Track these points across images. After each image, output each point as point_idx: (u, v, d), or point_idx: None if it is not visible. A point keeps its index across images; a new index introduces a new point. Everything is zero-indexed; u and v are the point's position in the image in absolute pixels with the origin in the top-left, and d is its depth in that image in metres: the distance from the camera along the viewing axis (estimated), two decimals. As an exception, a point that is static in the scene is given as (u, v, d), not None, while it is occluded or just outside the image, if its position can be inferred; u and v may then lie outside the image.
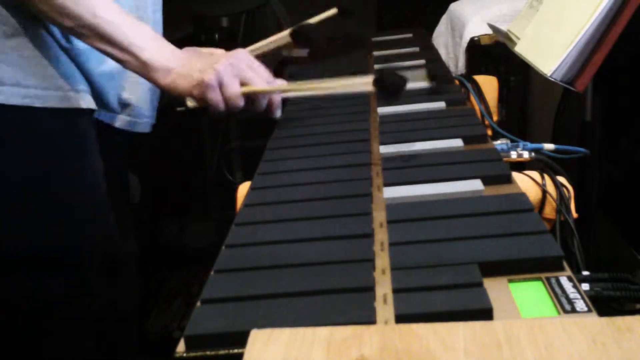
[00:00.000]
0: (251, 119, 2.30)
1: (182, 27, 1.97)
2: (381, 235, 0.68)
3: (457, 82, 1.27)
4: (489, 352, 0.44)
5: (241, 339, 0.49)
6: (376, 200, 0.77)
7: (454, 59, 1.68)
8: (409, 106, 1.11)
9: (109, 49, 0.94)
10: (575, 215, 0.85)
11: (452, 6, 1.82)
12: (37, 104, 0.94)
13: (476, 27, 1.57)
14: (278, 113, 1.06)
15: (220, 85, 0.98)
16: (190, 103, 1.00)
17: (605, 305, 0.68)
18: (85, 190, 1.03)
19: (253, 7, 2.21)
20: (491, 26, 1.47)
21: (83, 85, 1.01)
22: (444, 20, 1.85)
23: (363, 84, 0.99)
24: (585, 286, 0.68)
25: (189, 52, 1.02)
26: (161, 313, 2.02)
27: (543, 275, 0.58)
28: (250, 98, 1.02)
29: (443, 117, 1.05)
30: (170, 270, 2.24)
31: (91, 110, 1.03)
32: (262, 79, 1.01)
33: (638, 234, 1.37)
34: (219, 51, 1.09)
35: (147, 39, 0.96)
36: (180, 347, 0.54)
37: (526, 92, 1.88)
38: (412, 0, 2.75)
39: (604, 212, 1.38)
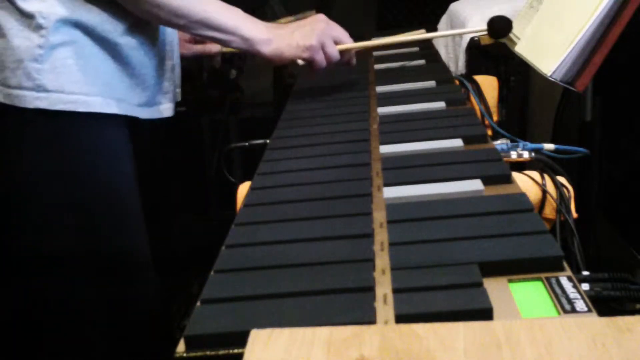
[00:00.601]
0: (251, 119, 2.31)
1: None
2: (381, 235, 0.68)
3: (457, 82, 1.27)
4: (489, 352, 0.44)
5: (241, 339, 0.49)
6: (376, 200, 0.77)
7: (454, 59, 1.68)
8: (409, 106, 1.11)
9: (217, 34, 1.08)
10: (575, 215, 0.85)
11: (452, 6, 1.82)
12: (81, 109, 0.98)
13: (476, 27, 1.57)
14: (354, 61, 1.27)
15: (323, 46, 1.16)
16: (300, 62, 1.18)
17: (605, 305, 0.68)
18: (118, 196, 1.06)
19: (253, 7, 2.21)
20: (491, 26, 1.46)
21: (121, 93, 1.04)
22: (444, 20, 1.85)
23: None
24: (585, 286, 0.68)
25: (274, 25, 1.19)
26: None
27: (543, 275, 0.58)
28: (341, 52, 1.20)
29: (443, 117, 1.05)
30: (170, 270, 2.24)
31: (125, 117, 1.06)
32: (346, 35, 1.20)
33: (638, 234, 1.37)
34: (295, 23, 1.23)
35: (245, 20, 1.12)
36: (180, 347, 0.54)
37: (526, 92, 1.89)
38: (412, 0, 2.75)
39: (604, 212, 1.38)
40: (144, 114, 1.10)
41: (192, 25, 1.06)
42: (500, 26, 1.23)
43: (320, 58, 1.16)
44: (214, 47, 1.37)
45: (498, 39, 1.25)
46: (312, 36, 1.15)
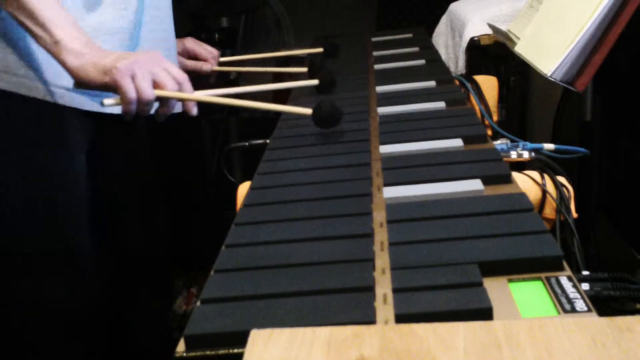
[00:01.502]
0: (251, 119, 2.31)
1: (182, 27, 1.97)
2: (381, 235, 0.68)
3: (457, 82, 1.27)
4: (489, 352, 0.44)
5: (241, 339, 0.49)
6: (376, 200, 0.77)
7: (454, 59, 1.68)
8: (409, 106, 1.11)
9: (27, 22, 0.95)
10: (575, 215, 0.85)
11: (452, 6, 1.82)
12: (23, 91, 0.98)
13: (476, 27, 1.57)
14: (194, 111, 1.05)
15: (133, 76, 0.96)
16: (106, 101, 0.99)
17: (605, 305, 0.68)
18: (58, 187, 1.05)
19: (253, 7, 2.21)
20: (491, 26, 1.47)
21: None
22: (444, 20, 1.85)
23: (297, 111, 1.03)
24: (585, 286, 0.68)
25: (100, 48, 1.01)
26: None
27: (543, 275, 0.58)
28: (162, 98, 1.01)
29: (443, 117, 1.05)
30: (170, 270, 2.24)
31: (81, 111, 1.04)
32: (174, 82, 1.00)
33: (638, 234, 1.37)
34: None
35: (67, 23, 0.97)
36: (180, 347, 0.54)
37: (526, 92, 1.88)
38: (412, 0, 2.75)
39: (604, 212, 1.38)
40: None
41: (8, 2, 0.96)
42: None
43: (126, 84, 0.96)
44: (205, 66, 1.34)
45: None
46: (123, 62, 0.97)
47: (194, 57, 1.36)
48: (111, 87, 0.97)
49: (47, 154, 1.03)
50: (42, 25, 0.95)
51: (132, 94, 0.96)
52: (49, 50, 0.96)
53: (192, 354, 0.54)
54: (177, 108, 1.04)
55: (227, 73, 1.72)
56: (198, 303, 0.59)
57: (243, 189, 0.91)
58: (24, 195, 1.03)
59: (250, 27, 2.29)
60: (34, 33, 0.96)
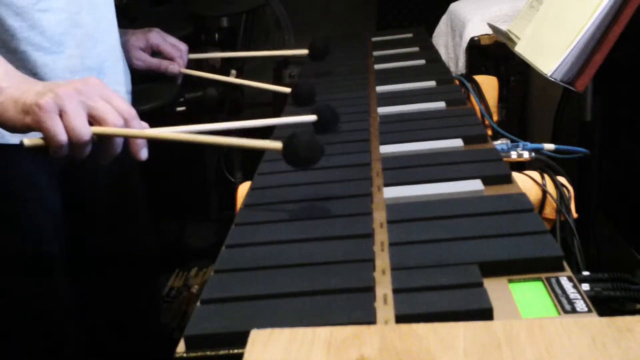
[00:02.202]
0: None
1: (182, 27, 1.98)
2: (381, 235, 0.68)
3: (457, 82, 1.27)
4: (489, 352, 0.44)
5: (241, 339, 0.49)
6: (376, 200, 0.77)
7: (454, 59, 1.68)
8: (409, 106, 1.11)
9: None
10: (575, 215, 0.85)
11: (452, 6, 1.82)
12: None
13: (476, 27, 1.57)
14: (144, 154, 0.82)
15: (61, 113, 0.76)
16: (27, 141, 0.78)
17: (605, 305, 0.68)
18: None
19: (253, 7, 2.21)
20: (491, 26, 1.47)
21: None
22: (444, 20, 1.85)
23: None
24: (585, 286, 0.68)
25: (24, 78, 0.83)
26: (161, 313, 2.02)
27: (543, 275, 0.58)
28: (101, 137, 0.79)
29: (443, 117, 1.05)
30: (170, 270, 2.24)
31: None
32: (117, 115, 0.79)
33: (638, 234, 1.37)
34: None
35: None
36: (180, 347, 0.54)
37: (526, 92, 1.88)
38: (412, 0, 2.75)
39: (604, 212, 1.38)
40: None
41: None
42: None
43: (53, 128, 0.75)
44: (172, 67, 1.19)
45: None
46: (49, 95, 0.76)
47: (158, 53, 1.20)
48: (36, 129, 0.77)
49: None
50: None
51: (60, 136, 0.76)
52: None
53: (192, 354, 0.54)
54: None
55: (229, 70, 1.72)
56: (198, 303, 0.59)
57: (243, 189, 0.91)
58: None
59: (250, 28, 2.29)
60: None
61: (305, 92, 1.05)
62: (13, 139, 0.84)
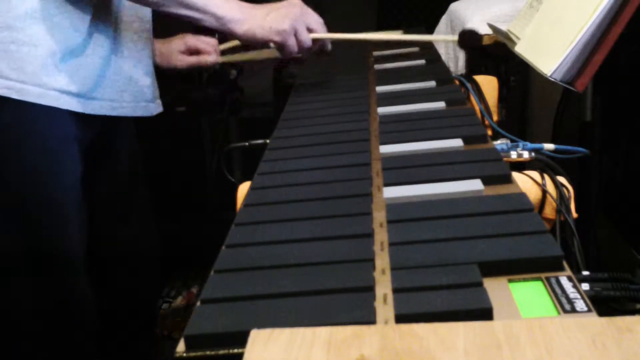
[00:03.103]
0: (251, 119, 2.31)
1: (182, 27, 1.98)
2: (381, 235, 0.68)
3: (457, 82, 1.27)
4: (489, 352, 0.44)
5: (241, 339, 0.48)
6: (376, 200, 0.77)
7: (454, 59, 1.68)
8: (409, 106, 1.11)
9: (189, 12, 1.09)
10: (575, 215, 0.85)
11: (452, 6, 1.82)
12: (14, 96, 0.98)
13: (476, 27, 1.57)
14: (329, 47, 1.25)
15: (295, 32, 1.15)
16: (271, 45, 1.18)
17: (605, 305, 0.68)
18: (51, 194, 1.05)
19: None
20: (491, 26, 1.46)
21: (71, 86, 1.03)
22: (444, 20, 1.85)
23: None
24: (585, 286, 0.68)
25: (247, 4, 1.15)
26: (161, 313, 2.02)
27: (543, 275, 0.58)
28: (315, 40, 1.20)
29: (443, 117, 1.05)
30: (170, 270, 2.24)
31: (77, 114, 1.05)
32: (320, 24, 1.20)
33: (638, 234, 1.37)
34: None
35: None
36: (180, 347, 0.54)
37: (526, 92, 1.88)
38: (412, 0, 2.75)
39: (604, 212, 1.38)
40: (102, 108, 1.08)
41: (165, 2, 1.07)
42: (469, 38, 1.24)
43: (291, 43, 1.16)
44: (210, 58, 1.39)
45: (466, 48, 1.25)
46: (286, 20, 1.14)
47: (196, 52, 1.39)
48: (278, 44, 1.16)
49: (34, 154, 1.03)
50: (202, 10, 1.09)
51: (295, 49, 1.17)
52: (214, 27, 1.11)
53: (192, 354, 0.54)
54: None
55: (229, 70, 1.73)
56: (198, 303, 0.59)
57: (243, 189, 0.91)
58: (13, 194, 1.02)
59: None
60: (195, 19, 1.10)
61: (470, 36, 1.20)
62: (59, 100, 1.02)
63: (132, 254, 1.24)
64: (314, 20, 1.19)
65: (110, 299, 1.20)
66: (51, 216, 1.05)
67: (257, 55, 1.46)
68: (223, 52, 1.45)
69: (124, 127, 1.20)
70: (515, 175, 0.83)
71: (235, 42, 1.42)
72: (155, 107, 1.20)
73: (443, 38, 1.51)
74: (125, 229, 1.24)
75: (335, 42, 1.59)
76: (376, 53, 1.56)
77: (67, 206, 1.06)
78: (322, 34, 1.20)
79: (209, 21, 1.10)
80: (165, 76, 1.29)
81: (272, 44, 1.17)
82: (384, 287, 0.58)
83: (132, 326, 1.27)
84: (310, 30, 1.18)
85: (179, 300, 2.08)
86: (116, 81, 1.10)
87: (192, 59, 1.38)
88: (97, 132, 1.12)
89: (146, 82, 1.16)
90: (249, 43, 1.17)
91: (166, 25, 1.25)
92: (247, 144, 1.22)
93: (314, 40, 1.19)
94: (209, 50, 1.41)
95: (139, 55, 1.15)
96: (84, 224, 1.10)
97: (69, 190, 1.06)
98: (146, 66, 1.17)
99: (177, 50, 1.36)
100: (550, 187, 0.86)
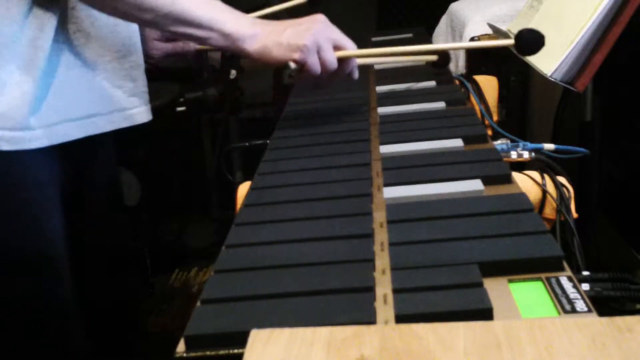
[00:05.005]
0: (251, 119, 2.31)
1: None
2: (381, 235, 0.68)
3: (457, 82, 1.27)
4: (489, 352, 0.44)
5: (241, 339, 0.49)
6: (376, 200, 0.77)
7: (454, 59, 1.68)
8: (409, 106, 1.11)
9: (190, 30, 0.95)
10: (575, 215, 0.85)
11: (452, 6, 1.81)
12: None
13: (476, 27, 1.57)
14: (356, 74, 1.07)
15: (318, 49, 0.99)
16: (292, 65, 1.00)
17: (605, 305, 0.68)
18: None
19: (253, 7, 2.21)
20: (491, 26, 1.47)
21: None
22: (444, 20, 1.85)
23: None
24: (585, 286, 0.68)
25: (261, 20, 1.02)
26: (161, 313, 2.02)
27: (543, 275, 0.58)
28: (340, 61, 1.02)
29: (443, 117, 1.05)
30: (170, 270, 2.24)
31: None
32: (349, 42, 1.02)
33: (638, 234, 1.37)
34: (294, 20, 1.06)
35: (224, 12, 0.97)
36: (180, 347, 0.54)
37: (526, 92, 1.88)
38: (412, 0, 2.75)
39: (604, 212, 1.38)
40: (101, 125, 0.99)
41: (161, 20, 0.93)
42: (529, 41, 0.97)
43: (313, 61, 0.99)
44: (187, 45, 1.24)
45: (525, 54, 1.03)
46: (307, 35, 0.98)
47: (172, 38, 1.25)
48: (300, 62, 0.98)
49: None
50: (207, 27, 0.95)
51: (317, 69, 0.99)
52: (222, 46, 0.98)
53: (192, 354, 0.54)
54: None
55: (229, 70, 1.72)
56: (198, 303, 0.59)
57: (243, 189, 0.91)
58: None
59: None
60: (199, 37, 0.96)
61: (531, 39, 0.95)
62: (31, 144, 0.90)
63: (103, 255, 1.20)
64: (341, 37, 1.02)
65: (90, 298, 1.18)
66: (29, 215, 0.98)
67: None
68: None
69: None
70: (515, 175, 0.83)
71: (293, 73, 1.34)
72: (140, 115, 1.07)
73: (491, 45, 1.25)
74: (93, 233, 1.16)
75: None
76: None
77: (44, 205, 1.00)
78: (349, 51, 1.02)
79: (214, 39, 0.96)
80: (165, 76, 1.28)
81: (291, 64, 0.99)
82: (384, 287, 0.58)
83: (115, 325, 1.24)
84: (336, 48, 1.01)
85: (179, 300, 2.08)
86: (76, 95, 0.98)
87: (168, 46, 1.23)
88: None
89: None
90: (265, 63, 1.00)
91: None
92: (247, 144, 1.22)
93: (341, 61, 1.02)
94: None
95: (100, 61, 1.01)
96: (62, 223, 1.02)
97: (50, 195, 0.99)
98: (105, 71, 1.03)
99: (152, 38, 1.21)
100: (550, 187, 0.86)
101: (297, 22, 1.02)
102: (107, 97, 1.02)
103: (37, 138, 0.92)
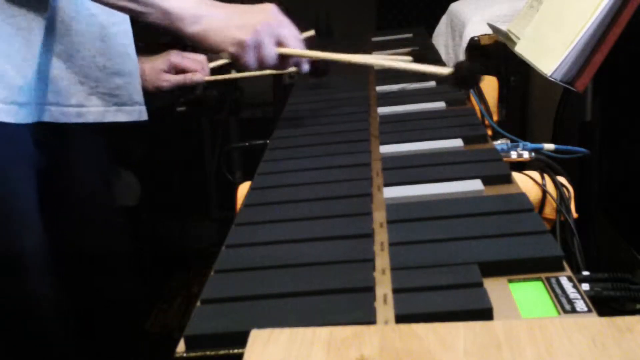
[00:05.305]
0: (251, 119, 2.31)
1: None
2: (381, 235, 0.68)
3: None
4: (489, 352, 0.44)
5: (241, 339, 0.48)
6: (376, 200, 0.77)
7: (454, 59, 1.68)
8: (409, 106, 1.11)
9: (129, 4, 0.91)
10: (575, 215, 0.85)
11: (452, 6, 1.81)
12: None
13: (476, 27, 1.57)
14: (306, 67, 1.04)
15: (258, 46, 0.95)
16: (225, 56, 0.99)
17: (605, 305, 0.68)
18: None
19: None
20: (491, 26, 1.46)
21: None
22: (444, 20, 1.85)
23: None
24: (585, 286, 0.68)
25: (211, 3, 0.97)
26: (161, 313, 2.02)
27: (543, 275, 0.58)
28: (282, 56, 1.00)
29: (443, 117, 1.05)
30: (170, 270, 2.24)
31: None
32: (295, 38, 0.99)
33: (638, 234, 1.37)
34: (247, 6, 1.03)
35: None
36: (180, 347, 0.54)
37: (526, 92, 1.88)
38: (412, 0, 2.75)
39: (604, 212, 1.38)
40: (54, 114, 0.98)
41: None
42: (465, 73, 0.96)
43: (249, 58, 0.96)
44: (195, 76, 1.28)
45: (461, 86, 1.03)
46: (250, 31, 0.94)
47: (181, 70, 1.30)
48: (234, 57, 0.96)
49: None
50: (144, 3, 0.91)
51: (253, 65, 0.97)
52: (160, 25, 0.93)
53: (192, 354, 0.54)
54: None
55: (229, 70, 1.71)
56: (198, 303, 0.59)
57: (243, 189, 0.91)
58: None
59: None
60: (137, 12, 0.92)
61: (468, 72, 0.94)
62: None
63: (99, 253, 1.19)
64: (287, 33, 0.98)
65: (84, 299, 1.17)
66: (4, 216, 0.98)
67: (252, 74, 1.31)
68: (214, 71, 1.35)
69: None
70: (515, 175, 0.83)
71: (227, 59, 1.27)
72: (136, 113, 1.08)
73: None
74: (88, 231, 1.17)
75: (335, 42, 1.60)
76: (376, 53, 1.55)
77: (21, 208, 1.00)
78: (291, 49, 0.99)
79: (152, 15, 0.92)
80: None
81: (225, 55, 0.97)
82: (384, 287, 0.58)
83: (113, 326, 1.24)
84: (280, 45, 0.98)
85: (179, 300, 2.08)
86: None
87: (178, 78, 1.27)
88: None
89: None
90: (198, 47, 0.97)
91: (153, 44, 1.17)
92: (247, 144, 1.22)
93: (284, 57, 0.99)
94: (196, 68, 1.31)
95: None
96: (39, 226, 1.02)
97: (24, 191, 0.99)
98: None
99: (161, 70, 1.27)
100: (550, 187, 0.86)
101: (246, 10, 0.98)
102: (66, 90, 1.01)
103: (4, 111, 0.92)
